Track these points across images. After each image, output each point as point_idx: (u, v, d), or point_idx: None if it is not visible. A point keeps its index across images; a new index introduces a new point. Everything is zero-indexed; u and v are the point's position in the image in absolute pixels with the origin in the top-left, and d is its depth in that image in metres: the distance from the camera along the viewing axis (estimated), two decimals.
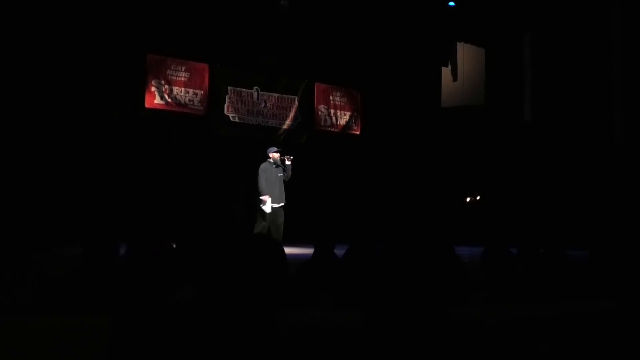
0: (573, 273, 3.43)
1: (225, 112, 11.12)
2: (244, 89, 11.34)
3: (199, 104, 10.84)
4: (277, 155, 9.10)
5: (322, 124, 12.34)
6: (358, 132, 12.79)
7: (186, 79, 10.69)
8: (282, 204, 9.10)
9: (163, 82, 10.42)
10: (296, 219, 9.73)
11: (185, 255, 2.77)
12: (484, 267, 3.53)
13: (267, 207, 8.96)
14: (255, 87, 11.47)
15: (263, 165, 9.08)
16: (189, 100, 10.73)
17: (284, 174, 9.14)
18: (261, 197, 8.97)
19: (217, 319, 1.67)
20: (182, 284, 2.57)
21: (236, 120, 11.23)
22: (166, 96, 10.45)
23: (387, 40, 12.37)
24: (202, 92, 10.86)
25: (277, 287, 1.74)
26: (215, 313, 1.68)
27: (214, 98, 10.98)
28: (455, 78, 13.63)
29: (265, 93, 11.58)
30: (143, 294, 2.63)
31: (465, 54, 13.55)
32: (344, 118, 12.61)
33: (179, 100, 10.61)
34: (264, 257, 1.79)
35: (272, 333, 1.68)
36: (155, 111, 10.36)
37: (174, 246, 2.98)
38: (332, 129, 12.48)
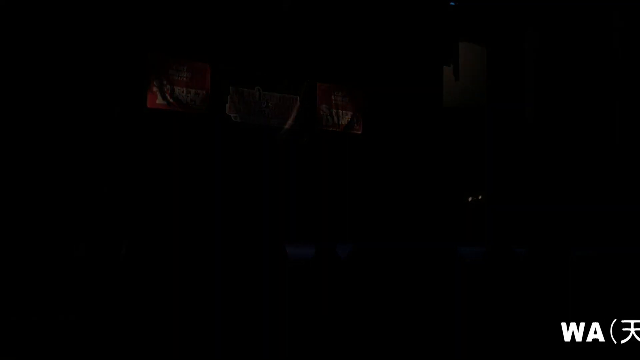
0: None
1: (227, 112, 11.12)
2: (245, 89, 11.34)
3: (201, 104, 10.84)
4: None
5: (323, 123, 12.33)
6: (360, 132, 12.78)
7: (188, 79, 10.69)
8: None
9: (165, 82, 10.43)
10: (297, 218, 9.73)
11: (184, 254, 2.79)
12: (486, 267, 3.54)
13: None
14: (256, 87, 11.46)
15: None
16: (191, 100, 10.73)
17: None
18: None
19: (215, 317, 1.68)
20: (181, 283, 2.59)
21: (238, 120, 11.23)
22: (168, 96, 10.46)
23: (389, 39, 12.36)
24: (203, 91, 10.86)
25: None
26: (214, 312, 1.69)
27: (216, 98, 10.98)
28: (457, 77, 13.62)
29: (266, 93, 11.57)
30: (144, 292, 2.65)
31: (467, 53, 13.55)
32: (345, 118, 12.60)
33: (181, 100, 10.61)
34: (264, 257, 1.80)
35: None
36: (157, 111, 10.36)
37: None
38: (334, 129, 12.47)
